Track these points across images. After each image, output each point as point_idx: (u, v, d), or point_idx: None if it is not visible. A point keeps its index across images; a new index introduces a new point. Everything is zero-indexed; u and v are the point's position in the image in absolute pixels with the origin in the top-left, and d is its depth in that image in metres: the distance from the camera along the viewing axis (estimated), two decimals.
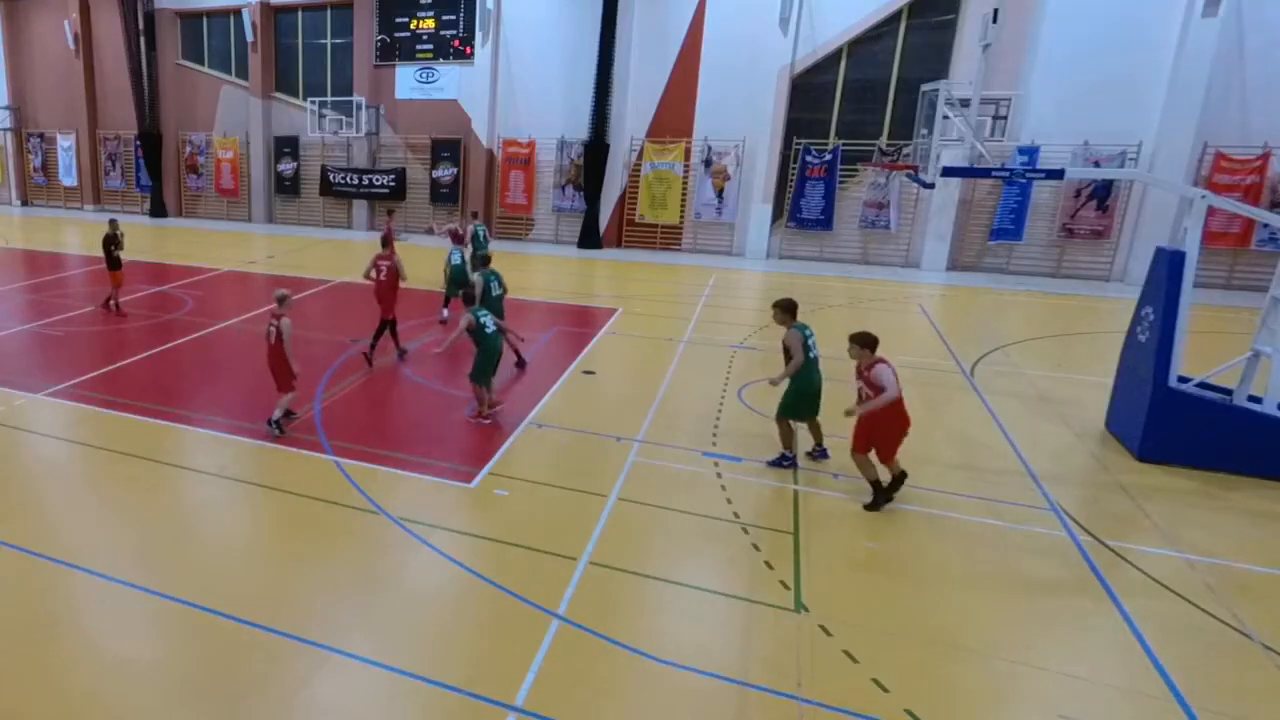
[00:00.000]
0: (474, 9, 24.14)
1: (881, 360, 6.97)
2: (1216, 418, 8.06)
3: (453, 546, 6.49)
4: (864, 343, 7.13)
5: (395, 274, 11.36)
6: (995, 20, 14.27)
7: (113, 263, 14.21)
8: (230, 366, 11.84)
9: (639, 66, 22.69)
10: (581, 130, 23.21)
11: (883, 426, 7.01)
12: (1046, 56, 18.69)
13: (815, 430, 8.20)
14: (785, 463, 8.00)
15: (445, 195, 25.94)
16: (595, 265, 21.08)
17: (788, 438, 8.06)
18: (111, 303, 14.48)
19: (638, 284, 18.49)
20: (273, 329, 8.57)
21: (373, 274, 11.43)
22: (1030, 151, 18.70)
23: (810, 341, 7.85)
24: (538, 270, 17.55)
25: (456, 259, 13.45)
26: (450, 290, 13.49)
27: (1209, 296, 16.20)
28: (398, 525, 6.79)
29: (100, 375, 10.93)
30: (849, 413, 7.13)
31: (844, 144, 20.98)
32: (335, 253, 22.96)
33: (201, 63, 29.59)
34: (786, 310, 7.91)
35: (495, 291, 10.88)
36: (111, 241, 14.19)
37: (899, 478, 7.24)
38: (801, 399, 7.89)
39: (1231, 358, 8.53)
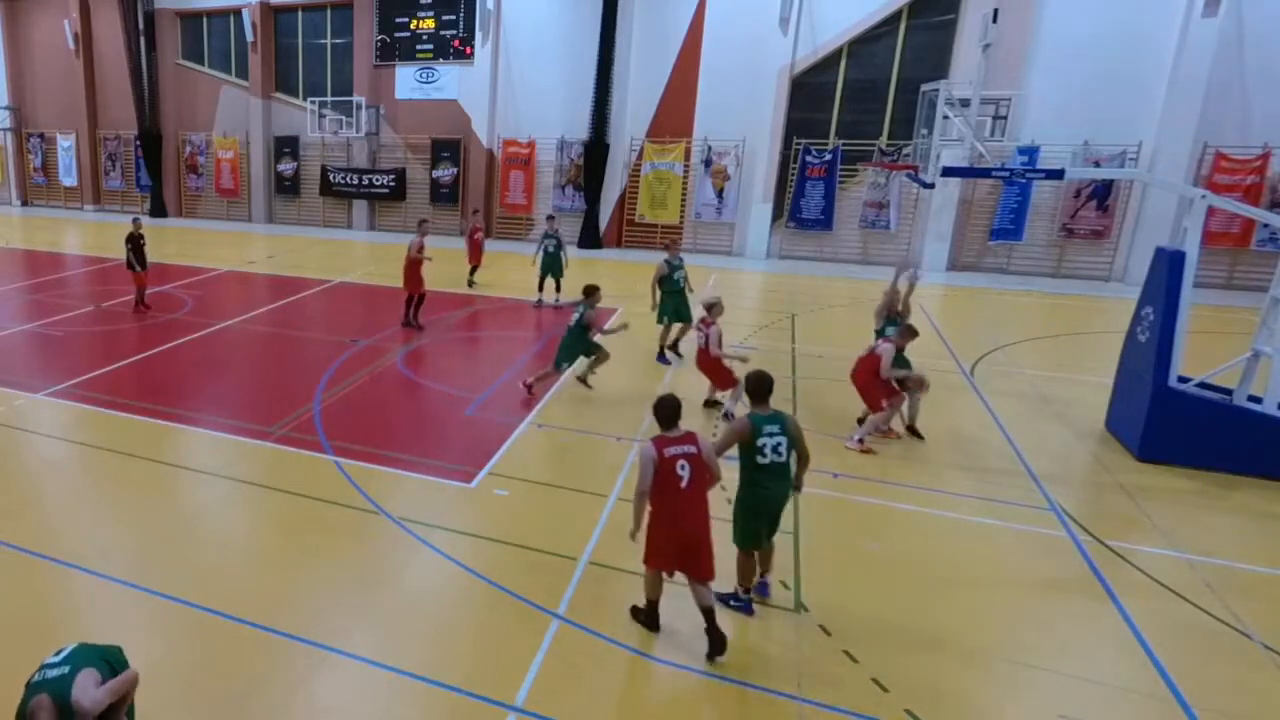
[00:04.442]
0: (474, 9, 24.12)
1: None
2: (1216, 418, 8.05)
3: (453, 546, 6.49)
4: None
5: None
6: (995, 20, 14.26)
7: (131, 263, 14.34)
8: (230, 366, 11.84)
9: (639, 66, 22.67)
10: (581, 130, 23.20)
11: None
12: (1046, 56, 18.68)
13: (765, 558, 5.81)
14: (736, 603, 5.61)
15: (445, 195, 25.93)
16: (595, 265, 21.04)
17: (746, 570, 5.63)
18: (138, 303, 14.67)
19: (638, 284, 18.47)
20: (703, 336, 9.17)
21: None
22: (1030, 151, 18.68)
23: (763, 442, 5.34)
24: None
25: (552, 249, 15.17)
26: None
27: (1209, 296, 16.19)
28: (398, 525, 6.79)
29: (100, 375, 10.93)
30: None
31: (844, 144, 20.97)
32: (335, 253, 22.96)
33: (201, 63, 29.57)
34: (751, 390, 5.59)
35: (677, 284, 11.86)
36: (132, 240, 14.32)
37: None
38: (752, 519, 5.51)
39: (1231, 358, 8.53)
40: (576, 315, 10.11)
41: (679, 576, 5.26)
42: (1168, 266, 8.18)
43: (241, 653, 5.16)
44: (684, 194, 22.99)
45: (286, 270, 19.66)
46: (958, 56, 19.37)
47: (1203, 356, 9.52)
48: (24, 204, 33.85)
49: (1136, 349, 8.69)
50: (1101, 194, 18.89)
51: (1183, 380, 8.24)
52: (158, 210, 30.23)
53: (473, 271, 17.22)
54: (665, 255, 11.97)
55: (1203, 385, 8.35)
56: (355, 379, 10.90)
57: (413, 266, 13.56)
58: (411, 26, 25.54)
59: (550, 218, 17.07)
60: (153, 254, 15.25)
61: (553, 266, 15.34)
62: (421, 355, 12.04)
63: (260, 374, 11.80)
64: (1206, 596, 5.86)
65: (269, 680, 4.92)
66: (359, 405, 9.99)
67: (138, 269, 14.34)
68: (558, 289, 15.38)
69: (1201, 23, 17.04)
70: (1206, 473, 7.94)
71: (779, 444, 5.35)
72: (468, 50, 24.75)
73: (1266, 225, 16.36)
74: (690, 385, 10.60)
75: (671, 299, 11.72)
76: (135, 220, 14.95)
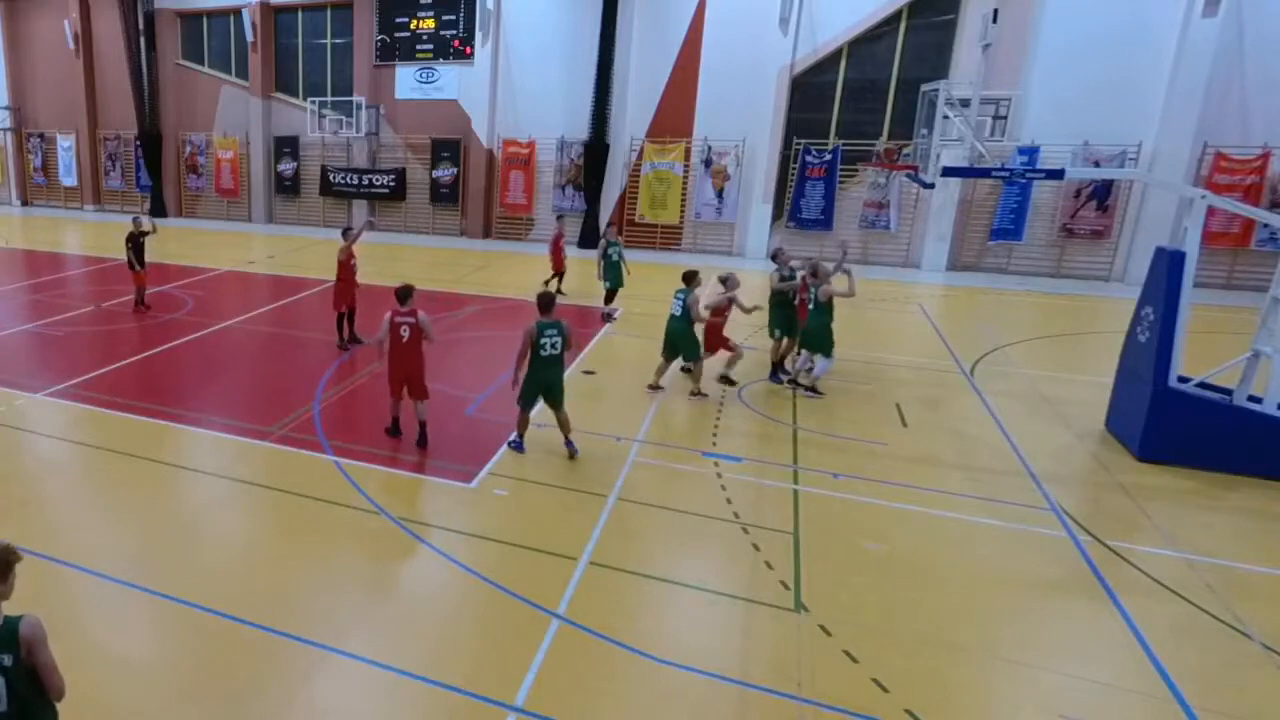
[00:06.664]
0: (474, 9, 24.12)
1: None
2: (1216, 418, 8.05)
3: (453, 546, 6.49)
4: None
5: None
6: (995, 20, 14.26)
7: (132, 263, 14.29)
8: (230, 366, 11.84)
9: (639, 66, 22.67)
10: (581, 130, 23.20)
11: None
12: (1046, 56, 18.66)
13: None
14: (513, 443, 8.51)
15: (445, 195, 25.94)
16: (595, 265, 21.03)
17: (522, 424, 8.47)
18: (138, 303, 14.62)
19: (637, 284, 18.46)
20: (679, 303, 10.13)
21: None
22: (1030, 151, 18.68)
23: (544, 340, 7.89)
24: (538, 270, 17.58)
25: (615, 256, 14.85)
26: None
27: (1209, 296, 16.19)
28: (398, 525, 6.79)
29: (100, 375, 10.93)
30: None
31: (844, 144, 20.97)
32: (335, 253, 22.84)
33: (201, 63, 29.55)
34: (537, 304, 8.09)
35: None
36: (132, 239, 14.27)
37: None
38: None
39: (1231, 358, 8.53)
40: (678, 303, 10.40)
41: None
42: (1168, 266, 8.18)
43: (241, 653, 5.16)
44: (684, 194, 22.98)
45: (286, 270, 19.66)
46: (958, 56, 19.36)
47: (1203, 356, 9.52)
48: (24, 204, 33.84)
49: (1136, 349, 8.69)
50: (1101, 194, 18.88)
51: (1183, 380, 8.24)
52: (158, 210, 30.13)
53: (560, 280, 16.59)
54: (774, 267, 11.18)
55: (1203, 385, 8.35)
56: (355, 379, 10.90)
57: (348, 276, 12.40)
58: (411, 26, 25.53)
59: (610, 224, 16.83)
60: (152, 254, 15.26)
61: (616, 276, 14.74)
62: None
63: (260, 374, 11.80)
64: (1206, 596, 5.86)
65: (269, 680, 4.92)
66: (359, 405, 9.99)
67: (137, 268, 14.33)
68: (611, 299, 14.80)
69: (1201, 23, 17.03)
70: (1206, 473, 7.93)
71: (555, 342, 7.85)
72: (468, 50, 24.74)
73: (1266, 225, 16.36)
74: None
75: (781, 312, 10.92)
76: (135, 220, 14.92)
